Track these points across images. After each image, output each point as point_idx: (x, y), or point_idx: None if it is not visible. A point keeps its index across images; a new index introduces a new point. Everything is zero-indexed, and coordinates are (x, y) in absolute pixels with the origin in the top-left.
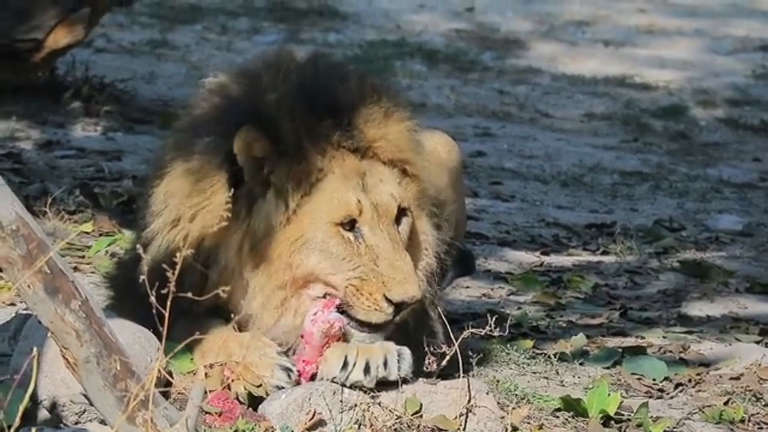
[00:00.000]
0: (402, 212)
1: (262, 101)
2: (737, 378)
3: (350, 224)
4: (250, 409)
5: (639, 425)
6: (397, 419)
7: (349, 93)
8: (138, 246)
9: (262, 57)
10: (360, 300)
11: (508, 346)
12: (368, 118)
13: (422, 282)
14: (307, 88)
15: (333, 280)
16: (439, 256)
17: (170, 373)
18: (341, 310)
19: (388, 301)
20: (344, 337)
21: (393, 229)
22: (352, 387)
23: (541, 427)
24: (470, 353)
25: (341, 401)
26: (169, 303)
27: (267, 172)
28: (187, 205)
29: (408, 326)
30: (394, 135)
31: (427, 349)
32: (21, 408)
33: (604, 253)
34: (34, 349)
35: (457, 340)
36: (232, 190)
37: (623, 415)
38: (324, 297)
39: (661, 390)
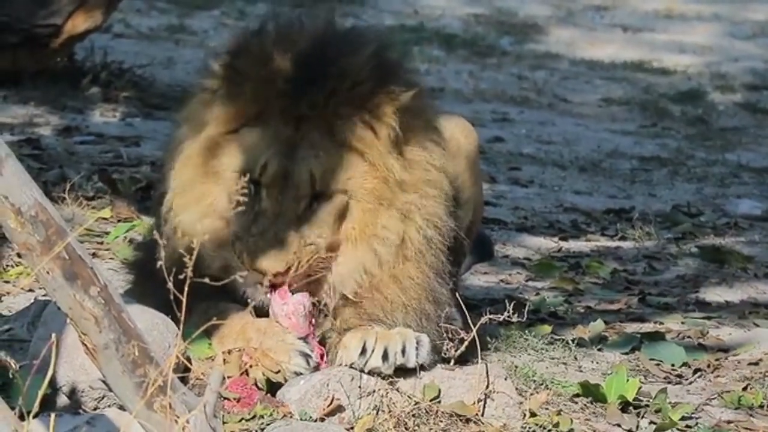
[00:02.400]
0: (323, 195)
1: (250, 42)
2: (756, 363)
3: (254, 180)
4: (269, 395)
5: (657, 411)
6: (415, 405)
7: (336, 63)
8: (155, 232)
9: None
10: (237, 256)
11: (527, 331)
12: (339, 95)
13: (350, 277)
14: (299, 47)
15: (231, 224)
16: (423, 254)
17: (188, 359)
18: None
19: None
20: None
21: (294, 203)
22: (371, 373)
23: (559, 412)
24: (488, 339)
25: (359, 387)
26: (186, 288)
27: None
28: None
29: (427, 312)
30: (359, 124)
31: (445, 334)
32: (40, 394)
33: (623, 238)
34: (53, 335)
35: (475, 326)
36: None
37: (642, 400)
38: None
39: (679, 375)
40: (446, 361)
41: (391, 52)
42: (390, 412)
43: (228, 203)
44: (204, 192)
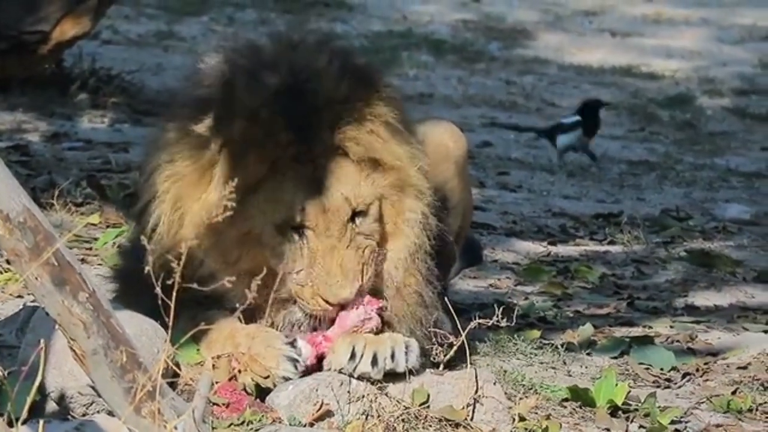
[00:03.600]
0: (360, 212)
1: (234, 97)
2: (745, 367)
3: (294, 225)
4: (258, 400)
5: (646, 415)
6: (404, 410)
7: (323, 93)
8: (142, 237)
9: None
10: (303, 301)
11: (516, 336)
12: (337, 120)
13: (401, 263)
14: (276, 90)
15: (282, 272)
16: (430, 235)
17: (177, 365)
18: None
19: (327, 302)
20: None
21: (342, 230)
22: (360, 378)
23: (548, 417)
24: (477, 343)
25: (348, 392)
26: (174, 294)
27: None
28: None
29: (419, 317)
30: (364, 136)
31: (434, 339)
32: (29, 400)
33: (611, 242)
34: (42, 341)
35: (464, 331)
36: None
37: (631, 404)
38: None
39: (668, 380)
40: (435, 365)
41: (349, 52)
42: (379, 417)
43: (275, 258)
44: (245, 254)
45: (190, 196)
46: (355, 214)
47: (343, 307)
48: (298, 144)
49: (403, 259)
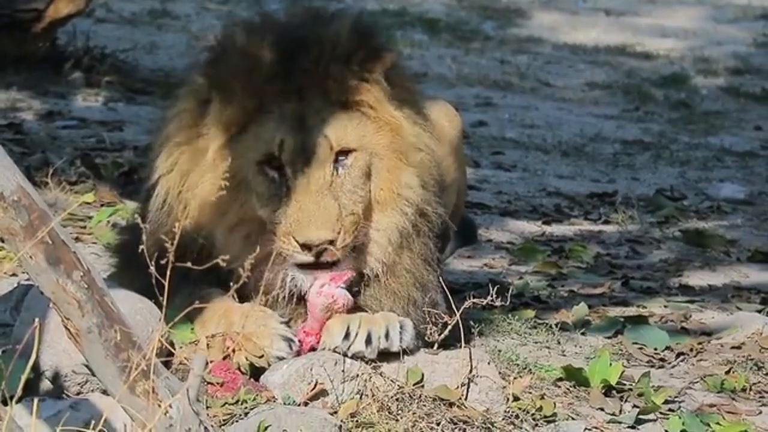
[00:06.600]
0: (343, 153)
1: (230, 40)
2: (739, 347)
3: (275, 164)
4: (252, 379)
5: (641, 395)
6: (398, 389)
7: (314, 32)
8: (136, 215)
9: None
10: (280, 242)
11: (510, 315)
12: (329, 64)
13: (391, 238)
14: (273, 33)
15: (266, 218)
16: (433, 217)
17: (172, 344)
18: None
19: (297, 242)
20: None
21: (320, 170)
22: (354, 357)
23: (542, 396)
24: (472, 323)
25: (343, 371)
26: (168, 273)
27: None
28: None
29: (414, 299)
30: (356, 83)
31: (428, 318)
32: (23, 378)
33: (606, 222)
34: (36, 319)
35: (458, 310)
36: None
37: (625, 384)
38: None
39: (662, 359)
40: (429, 345)
41: (366, 23)
42: (373, 396)
43: (260, 203)
44: (234, 202)
45: (193, 164)
46: (338, 160)
47: (318, 257)
48: (284, 78)
49: (394, 235)
